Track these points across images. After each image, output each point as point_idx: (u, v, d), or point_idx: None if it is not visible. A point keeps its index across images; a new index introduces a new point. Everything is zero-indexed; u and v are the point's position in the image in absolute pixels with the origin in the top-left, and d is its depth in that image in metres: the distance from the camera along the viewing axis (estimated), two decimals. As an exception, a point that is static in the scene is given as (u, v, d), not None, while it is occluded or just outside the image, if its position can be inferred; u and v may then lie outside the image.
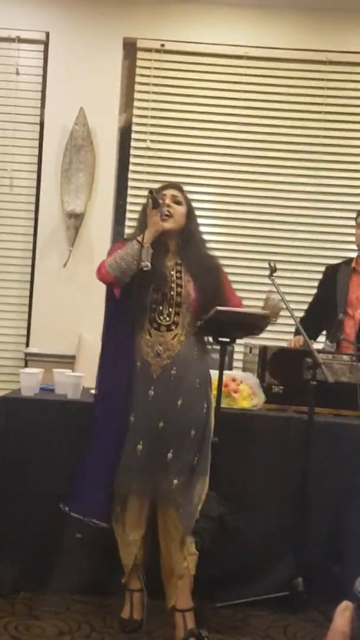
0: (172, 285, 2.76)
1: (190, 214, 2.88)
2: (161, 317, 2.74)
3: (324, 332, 3.78)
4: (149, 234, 2.71)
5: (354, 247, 3.74)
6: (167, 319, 2.74)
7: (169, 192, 2.86)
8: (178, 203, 2.84)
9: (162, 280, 2.74)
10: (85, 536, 2.72)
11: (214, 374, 2.84)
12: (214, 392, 2.80)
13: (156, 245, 2.73)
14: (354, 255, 3.76)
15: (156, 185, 4.42)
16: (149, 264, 2.61)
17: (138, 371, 2.72)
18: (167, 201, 2.81)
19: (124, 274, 2.70)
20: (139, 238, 2.70)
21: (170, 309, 2.74)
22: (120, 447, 2.68)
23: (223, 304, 2.73)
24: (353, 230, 3.73)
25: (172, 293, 2.75)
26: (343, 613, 0.95)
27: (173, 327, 2.74)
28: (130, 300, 2.68)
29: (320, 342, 3.74)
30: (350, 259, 3.76)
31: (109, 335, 2.81)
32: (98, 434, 2.74)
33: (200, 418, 2.73)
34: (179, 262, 2.82)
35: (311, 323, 3.61)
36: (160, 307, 2.74)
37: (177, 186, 2.93)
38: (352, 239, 3.76)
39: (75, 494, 2.73)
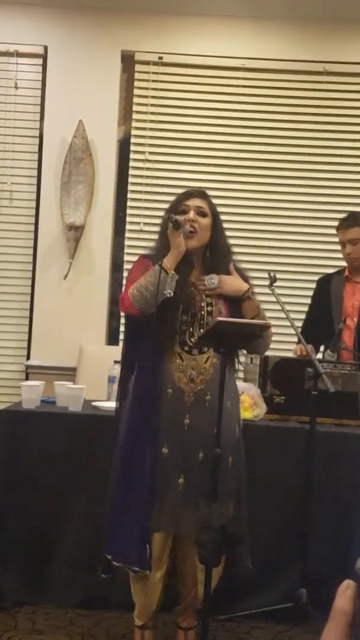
0: (202, 304, 2.56)
1: (215, 222, 2.62)
2: (192, 340, 2.52)
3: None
4: (172, 258, 2.48)
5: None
6: None
7: (193, 202, 2.59)
8: (203, 215, 2.59)
9: (190, 301, 2.54)
10: (109, 576, 2.57)
11: None
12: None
13: (180, 262, 2.51)
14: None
15: (155, 198, 4.57)
16: (171, 292, 2.42)
17: (169, 399, 2.50)
18: (192, 215, 2.56)
19: (148, 304, 2.48)
20: (162, 264, 2.47)
21: (201, 330, 2.51)
22: (154, 483, 2.46)
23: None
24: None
25: (202, 313, 2.55)
26: (345, 592, 0.94)
27: (205, 349, 2.52)
28: (156, 324, 2.47)
29: (321, 352, 3.73)
30: (343, 268, 3.77)
31: (131, 363, 2.60)
32: (129, 471, 2.49)
33: (236, 444, 2.61)
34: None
35: (311, 338, 3.59)
36: (191, 329, 2.52)
37: (201, 194, 2.65)
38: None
39: (112, 539, 2.51)
